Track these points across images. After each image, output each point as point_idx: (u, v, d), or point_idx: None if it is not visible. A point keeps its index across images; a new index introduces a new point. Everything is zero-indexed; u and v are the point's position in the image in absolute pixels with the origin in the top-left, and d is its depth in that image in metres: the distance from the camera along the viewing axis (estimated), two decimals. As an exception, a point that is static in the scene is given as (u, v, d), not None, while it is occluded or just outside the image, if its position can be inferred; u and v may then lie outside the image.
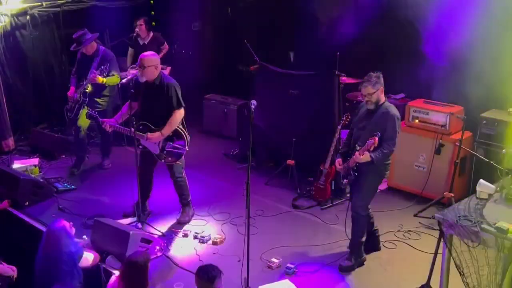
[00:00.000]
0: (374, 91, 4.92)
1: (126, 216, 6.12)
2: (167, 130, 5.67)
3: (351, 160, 4.98)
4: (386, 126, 4.91)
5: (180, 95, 5.69)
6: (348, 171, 5.09)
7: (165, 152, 5.77)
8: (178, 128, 5.75)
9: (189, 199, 6.15)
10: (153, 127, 5.70)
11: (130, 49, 8.73)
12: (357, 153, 4.89)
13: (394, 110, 4.98)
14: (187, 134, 5.81)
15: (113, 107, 7.35)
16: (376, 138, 4.75)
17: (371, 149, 4.81)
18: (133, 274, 4.17)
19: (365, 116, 5.10)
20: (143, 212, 6.06)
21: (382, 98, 5.02)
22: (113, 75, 7.08)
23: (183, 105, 5.71)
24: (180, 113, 5.71)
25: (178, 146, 5.75)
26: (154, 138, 5.70)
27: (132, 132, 5.64)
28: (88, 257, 4.85)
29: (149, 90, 5.72)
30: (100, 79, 6.93)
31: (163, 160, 5.84)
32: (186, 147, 5.78)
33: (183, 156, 5.86)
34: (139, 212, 5.93)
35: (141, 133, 5.72)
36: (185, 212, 6.13)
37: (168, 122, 5.66)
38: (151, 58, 5.64)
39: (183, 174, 6.03)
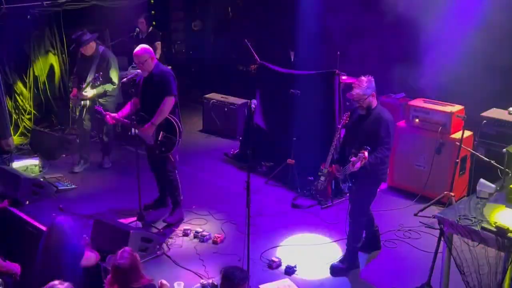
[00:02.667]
0: (365, 95, 4.86)
1: (147, 208, 6.19)
2: (157, 119, 5.68)
3: (347, 168, 4.92)
4: (379, 131, 4.83)
5: (172, 83, 5.70)
6: (346, 177, 5.07)
7: (158, 142, 5.77)
8: (170, 117, 5.73)
9: (178, 199, 6.10)
10: (148, 116, 5.72)
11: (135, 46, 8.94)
12: (350, 164, 4.80)
13: (386, 115, 4.92)
14: (180, 124, 5.78)
15: (115, 106, 7.35)
16: (366, 152, 4.64)
17: (361, 163, 4.68)
18: (120, 277, 4.10)
19: (358, 121, 5.05)
20: (165, 206, 6.27)
21: (374, 102, 4.93)
22: (110, 78, 7.11)
23: (174, 93, 5.70)
24: (169, 101, 5.68)
25: (170, 135, 5.74)
26: (146, 130, 5.73)
27: (132, 124, 5.72)
28: (89, 256, 4.84)
29: (147, 80, 5.80)
30: (90, 95, 7.03)
31: (157, 152, 5.83)
32: (179, 137, 5.75)
33: (175, 151, 5.84)
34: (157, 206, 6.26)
35: (138, 125, 5.79)
36: (174, 213, 6.08)
37: (158, 110, 5.66)
38: (143, 52, 5.69)
39: (175, 171, 6.01)
